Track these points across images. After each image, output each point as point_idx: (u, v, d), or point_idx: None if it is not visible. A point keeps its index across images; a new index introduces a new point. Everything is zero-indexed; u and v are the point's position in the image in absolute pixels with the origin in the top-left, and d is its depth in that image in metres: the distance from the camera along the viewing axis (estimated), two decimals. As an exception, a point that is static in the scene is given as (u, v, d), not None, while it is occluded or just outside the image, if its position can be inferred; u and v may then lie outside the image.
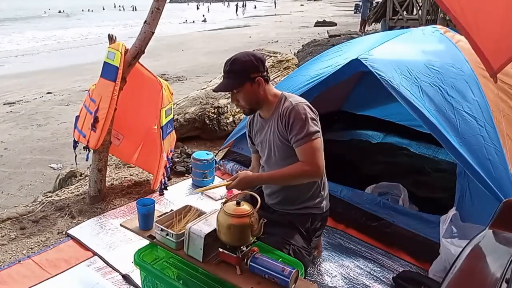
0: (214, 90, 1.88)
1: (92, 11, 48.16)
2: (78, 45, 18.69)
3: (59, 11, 44.55)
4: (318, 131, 1.77)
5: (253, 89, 1.79)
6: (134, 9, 49.28)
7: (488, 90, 2.40)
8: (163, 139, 2.97)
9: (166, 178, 3.11)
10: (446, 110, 2.25)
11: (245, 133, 2.13)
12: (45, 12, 43.04)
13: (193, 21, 30.30)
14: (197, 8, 48.15)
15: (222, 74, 1.84)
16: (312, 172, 1.77)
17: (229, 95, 1.99)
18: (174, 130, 3.26)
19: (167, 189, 3.13)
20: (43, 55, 16.06)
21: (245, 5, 42.39)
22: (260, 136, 1.98)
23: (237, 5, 40.61)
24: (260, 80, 1.79)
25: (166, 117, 2.99)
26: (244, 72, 1.76)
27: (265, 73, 1.81)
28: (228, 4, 55.76)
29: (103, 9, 50.13)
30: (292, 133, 1.77)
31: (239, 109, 2.05)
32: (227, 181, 1.81)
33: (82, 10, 46.25)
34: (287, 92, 1.91)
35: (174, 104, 4.35)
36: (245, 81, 1.77)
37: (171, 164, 3.24)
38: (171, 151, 3.22)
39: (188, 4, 60.81)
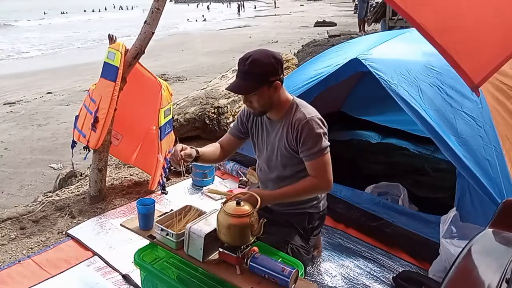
0: (227, 89, 1.76)
1: (100, 10, 47.92)
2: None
3: (61, 12, 44.13)
4: (329, 146, 1.76)
5: (269, 92, 1.72)
6: (127, 8, 49.53)
7: (487, 91, 2.40)
8: (161, 140, 2.97)
9: (164, 179, 3.11)
10: (445, 110, 2.25)
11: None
12: (44, 13, 42.39)
13: (196, 20, 30.46)
14: (208, 8, 48.39)
15: (237, 72, 1.74)
16: (323, 187, 1.78)
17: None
18: (172, 131, 3.25)
19: (165, 190, 3.13)
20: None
21: (243, 5, 42.52)
22: (262, 136, 1.94)
23: (239, 5, 40.79)
24: (278, 84, 1.72)
25: (164, 118, 2.98)
26: (264, 76, 1.67)
27: (282, 76, 1.75)
28: (228, 3, 55.78)
29: (105, 9, 49.90)
30: (304, 147, 1.74)
31: (243, 109, 1.95)
32: (238, 194, 1.73)
33: (84, 11, 45.95)
34: (298, 99, 1.86)
35: (174, 104, 4.35)
36: (263, 85, 1.68)
37: (169, 164, 3.23)
38: (169, 152, 3.21)
39: (188, 5, 60.77)
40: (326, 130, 1.78)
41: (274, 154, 1.87)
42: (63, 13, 43.70)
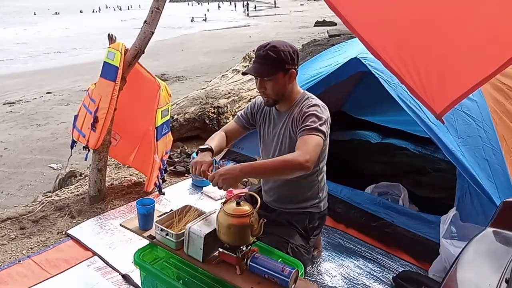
0: (244, 73, 1.81)
1: (100, 10, 47.64)
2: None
3: (56, 13, 43.74)
4: (325, 134, 1.73)
5: (284, 80, 1.75)
6: (120, 8, 49.94)
7: (487, 91, 2.40)
8: (157, 140, 2.95)
9: (160, 181, 3.10)
10: (445, 110, 2.25)
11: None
12: (35, 14, 41.63)
13: (204, 19, 30.46)
14: (218, 7, 48.62)
15: (254, 58, 1.78)
16: (301, 161, 1.58)
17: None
18: (170, 132, 3.24)
19: (162, 192, 3.12)
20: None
21: (243, 5, 42.74)
22: (269, 128, 1.94)
23: (247, 4, 41.05)
24: (293, 72, 1.76)
25: (162, 118, 2.97)
26: (281, 61, 1.71)
27: (297, 67, 1.80)
28: (230, 3, 55.87)
29: (100, 10, 49.56)
30: (303, 124, 1.72)
31: (260, 98, 1.91)
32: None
33: (81, 11, 45.68)
34: (308, 92, 1.88)
35: (174, 104, 4.36)
36: (279, 71, 1.73)
37: (166, 166, 3.22)
38: (166, 153, 3.19)
39: (188, 4, 60.78)
40: (328, 120, 1.76)
41: (279, 145, 1.88)
42: (57, 13, 43.32)
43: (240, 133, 2.05)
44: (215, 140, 1.91)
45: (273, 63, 1.72)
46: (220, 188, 1.61)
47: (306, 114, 1.73)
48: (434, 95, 1.26)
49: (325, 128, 1.72)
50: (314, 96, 1.86)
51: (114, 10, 51.50)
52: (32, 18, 37.16)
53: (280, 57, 1.71)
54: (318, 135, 1.68)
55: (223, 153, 3.64)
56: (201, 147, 1.83)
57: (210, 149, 1.81)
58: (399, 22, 1.30)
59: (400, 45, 1.30)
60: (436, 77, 1.27)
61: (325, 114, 1.76)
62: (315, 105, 1.76)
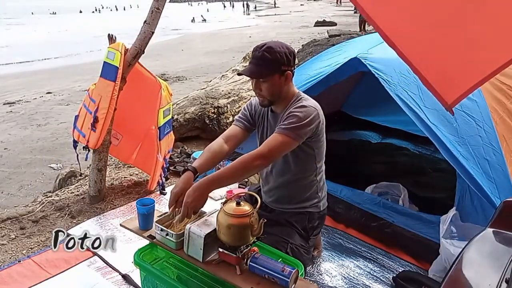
0: (239, 74, 1.81)
1: (99, 11, 47.44)
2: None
3: (53, 13, 43.54)
4: (300, 136, 1.69)
5: (280, 81, 1.74)
6: (117, 9, 50.11)
7: (487, 90, 2.40)
8: (160, 140, 2.96)
9: (163, 179, 3.11)
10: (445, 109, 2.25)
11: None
12: (32, 13, 41.56)
13: (203, 20, 30.39)
14: (224, 6, 48.81)
15: (251, 59, 1.77)
16: (257, 160, 1.64)
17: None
18: (172, 131, 3.25)
19: (165, 190, 3.13)
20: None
21: (243, 5, 42.79)
22: (266, 128, 1.93)
23: (248, 4, 41.15)
24: (289, 74, 1.75)
25: (164, 118, 2.98)
26: (277, 63, 1.70)
27: (294, 69, 1.79)
28: (230, 3, 55.94)
29: (98, 11, 49.32)
30: (283, 122, 1.70)
31: (254, 98, 1.88)
32: (178, 214, 1.65)
33: (81, 12, 45.53)
34: (303, 93, 1.86)
35: (174, 104, 4.36)
36: (275, 72, 1.72)
37: (168, 165, 3.23)
38: (168, 152, 3.21)
39: (189, 4, 60.76)
40: (315, 121, 1.72)
41: None
42: (54, 13, 43.03)
43: (244, 135, 1.99)
44: (203, 157, 1.83)
45: (269, 65, 1.71)
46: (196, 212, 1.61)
47: (290, 114, 1.72)
48: (446, 85, 1.25)
49: (303, 131, 1.69)
50: (308, 97, 1.84)
51: (111, 10, 51.31)
52: (31, 18, 37.18)
53: (276, 58, 1.70)
54: (289, 136, 1.67)
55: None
56: (182, 170, 1.77)
57: (192, 171, 1.73)
58: (416, 12, 1.30)
59: (416, 36, 1.30)
60: (449, 67, 1.27)
61: (312, 115, 1.72)
62: (302, 106, 1.74)
